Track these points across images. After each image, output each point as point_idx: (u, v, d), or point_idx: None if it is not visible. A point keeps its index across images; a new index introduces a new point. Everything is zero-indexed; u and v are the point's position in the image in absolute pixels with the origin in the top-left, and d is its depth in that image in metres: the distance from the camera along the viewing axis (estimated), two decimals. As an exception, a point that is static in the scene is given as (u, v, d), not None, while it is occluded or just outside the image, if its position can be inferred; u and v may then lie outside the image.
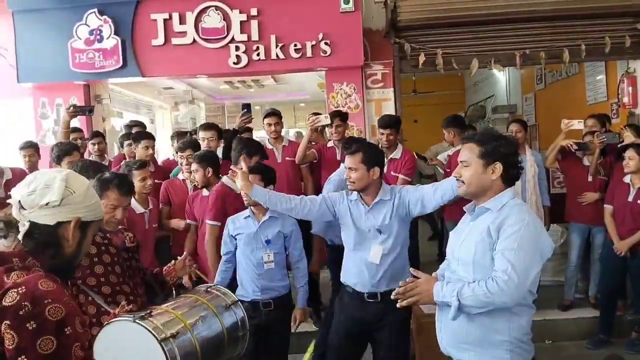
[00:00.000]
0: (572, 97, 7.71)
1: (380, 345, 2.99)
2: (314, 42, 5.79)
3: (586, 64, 6.95)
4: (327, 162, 4.74)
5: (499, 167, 2.17)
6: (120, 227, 2.78)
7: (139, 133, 4.97)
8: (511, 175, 2.21)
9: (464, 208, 2.38)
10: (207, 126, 4.78)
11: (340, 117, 4.83)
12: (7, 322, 1.26)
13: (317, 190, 4.46)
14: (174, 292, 2.92)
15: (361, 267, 2.96)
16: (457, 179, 2.26)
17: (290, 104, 11.92)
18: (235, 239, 3.40)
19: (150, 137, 4.78)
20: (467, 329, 2.19)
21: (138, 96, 8.60)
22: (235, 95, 10.35)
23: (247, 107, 4.94)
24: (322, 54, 5.81)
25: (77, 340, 1.31)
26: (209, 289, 2.56)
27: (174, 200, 4.32)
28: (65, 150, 3.97)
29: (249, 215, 3.40)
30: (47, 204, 1.44)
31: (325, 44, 5.79)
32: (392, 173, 4.56)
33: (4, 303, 1.28)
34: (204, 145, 4.55)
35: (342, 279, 3.11)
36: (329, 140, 5.06)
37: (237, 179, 3.12)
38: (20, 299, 1.27)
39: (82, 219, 1.49)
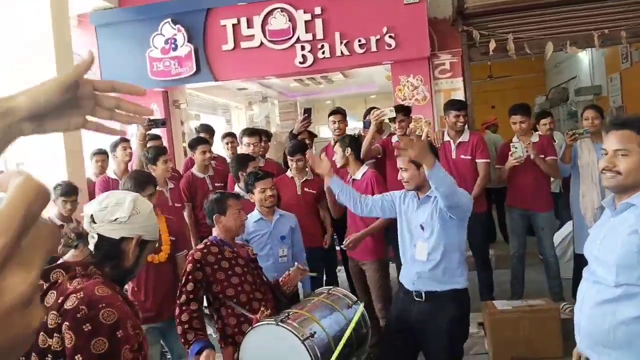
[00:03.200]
0: (662, 74, 7.15)
1: (426, 345, 2.98)
2: (378, 37, 5.77)
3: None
4: (392, 157, 4.73)
5: None
6: (242, 242, 3.10)
7: (192, 139, 5.21)
8: None
9: (602, 203, 2.22)
10: (251, 132, 5.02)
11: (403, 111, 4.81)
12: (67, 323, 1.41)
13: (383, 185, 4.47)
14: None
15: (407, 264, 3.00)
16: (607, 170, 2.03)
17: (361, 97, 11.89)
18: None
19: (205, 142, 4.99)
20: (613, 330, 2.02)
21: (214, 98, 8.95)
22: (307, 91, 10.49)
23: (307, 111, 5.06)
24: (386, 48, 5.78)
25: (127, 343, 1.44)
26: (330, 291, 2.91)
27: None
28: (158, 152, 4.30)
29: (260, 218, 3.63)
30: (115, 220, 1.60)
31: (390, 37, 5.75)
32: (461, 157, 4.59)
33: (65, 306, 1.43)
34: (249, 150, 4.78)
35: (399, 277, 3.16)
36: (394, 134, 5.05)
37: (321, 163, 3.32)
38: (79, 303, 1.42)
39: (142, 237, 1.65)
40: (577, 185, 4.48)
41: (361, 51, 5.84)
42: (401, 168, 2.95)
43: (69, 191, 4.26)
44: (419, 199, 2.98)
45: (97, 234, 1.59)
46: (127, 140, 5.12)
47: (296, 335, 2.39)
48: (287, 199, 4.35)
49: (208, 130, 5.77)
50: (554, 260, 4.56)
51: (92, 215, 1.60)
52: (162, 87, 6.51)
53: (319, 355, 2.39)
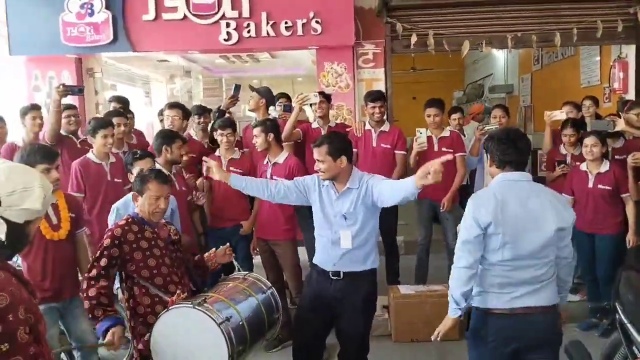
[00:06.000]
0: (567, 79, 7.69)
1: (341, 320, 3.10)
2: (305, 20, 5.78)
3: (582, 46, 6.91)
4: (312, 142, 4.80)
5: None
6: (165, 221, 2.98)
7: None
8: None
9: None
10: (172, 105, 4.86)
11: (323, 95, 4.93)
12: None
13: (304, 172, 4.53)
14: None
15: (327, 248, 3.08)
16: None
17: (289, 79, 11.86)
18: None
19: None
20: None
21: (132, 69, 8.60)
22: (233, 69, 10.30)
23: (237, 88, 4.97)
24: (312, 32, 5.80)
25: (21, 325, 1.40)
26: (245, 277, 2.95)
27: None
28: (100, 124, 4.05)
29: None
30: (25, 208, 1.56)
31: (317, 22, 5.77)
32: (382, 145, 4.79)
33: None
34: (167, 123, 4.63)
35: (313, 259, 3.23)
36: (314, 121, 5.11)
37: (214, 171, 3.27)
38: None
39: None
40: (482, 178, 4.76)
41: (287, 34, 5.82)
42: (318, 159, 2.99)
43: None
44: (337, 190, 3.04)
45: (2, 217, 1.52)
46: (37, 108, 4.76)
47: (212, 319, 2.42)
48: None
49: (121, 101, 5.52)
50: None
51: None
52: (75, 54, 6.16)
53: (233, 338, 2.45)
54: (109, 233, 2.72)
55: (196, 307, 2.46)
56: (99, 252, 2.67)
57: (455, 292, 2.49)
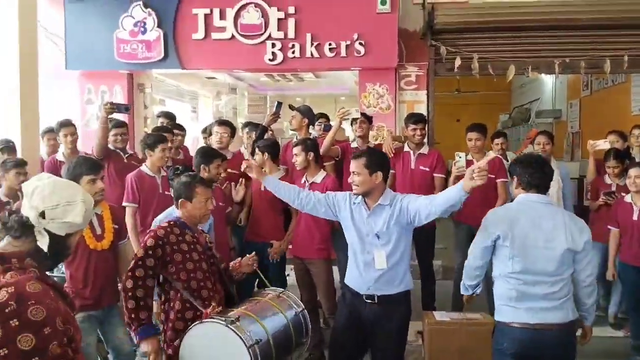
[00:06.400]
0: (618, 106, 7.46)
1: (375, 343, 3.07)
2: (348, 42, 5.85)
3: (634, 73, 6.72)
4: (349, 161, 4.83)
5: None
6: (200, 228, 3.07)
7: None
8: None
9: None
10: (221, 122, 4.95)
11: (364, 116, 4.99)
12: None
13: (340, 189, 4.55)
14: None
15: (360, 270, 3.04)
16: None
17: (332, 97, 11.96)
18: None
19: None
20: None
21: (181, 85, 8.86)
22: (277, 87, 10.48)
23: (279, 105, 5.06)
24: (355, 54, 5.87)
25: (55, 339, 1.45)
26: (280, 295, 2.97)
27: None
28: (160, 139, 4.23)
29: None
30: (67, 222, 1.63)
31: (360, 44, 5.84)
32: (420, 167, 4.76)
33: None
34: (216, 140, 4.72)
35: (345, 280, 3.21)
36: (353, 140, 5.14)
37: (252, 170, 3.39)
38: (8, 299, 1.43)
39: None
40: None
41: (331, 55, 5.90)
42: (354, 172, 2.99)
43: (21, 162, 4.20)
44: (368, 208, 3.03)
45: (45, 229, 1.60)
46: (66, 125, 4.89)
47: (243, 341, 2.48)
48: (252, 194, 4.42)
49: (169, 117, 5.69)
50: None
51: (43, 212, 1.60)
52: (127, 70, 6.42)
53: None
54: (152, 234, 2.77)
55: (229, 325, 2.51)
56: (143, 253, 2.71)
57: (465, 281, 2.95)
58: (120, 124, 4.90)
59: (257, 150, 4.35)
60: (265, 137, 4.81)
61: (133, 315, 2.64)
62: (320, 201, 3.17)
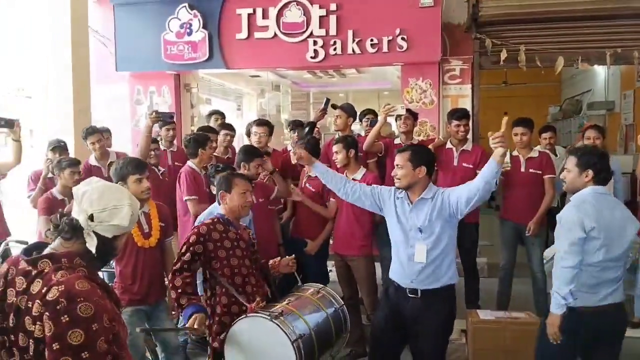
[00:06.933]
0: (676, 96, 7.11)
1: (417, 339, 3.05)
2: (390, 37, 5.81)
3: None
4: (392, 158, 4.81)
5: None
6: (243, 224, 3.16)
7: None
8: None
9: None
10: (260, 122, 5.00)
11: (410, 112, 4.93)
12: (47, 313, 1.51)
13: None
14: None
15: (403, 264, 3.05)
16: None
17: (375, 93, 11.90)
18: None
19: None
20: None
21: (226, 84, 9.02)
22: (320, 83, 10.51)
23: (327, 102, 5.09)
24: (398, 49, 5.82)
25: (103, 335, 1.53)
26: (319, 290, 3.03)
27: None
28: (202, 142, 4.36)
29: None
30: (114, 224, 1.71)
31: (402, 39, 5.78)
32: (463, 164, 4.67)
33: (47, 297, 1.53)
34: (255, 139, 4.80)
35: (389, 274, 3.22)
36: (397, 137, 5.11)
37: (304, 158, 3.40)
38: (59, 296, 1.52)
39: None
40: (572, 201, 4.53)
41: (373, 50, 5.88)
42: (397, 165, 3.00)
43: (76, 161, 4.36)
44: (410, 202, 3.03)
45: (94, 232, 1.68)
46: (94, 133, 4.89)
47: (287, 336, 2.54)
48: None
49: (221, 114, 5.80)
50: (541, 275, 4.60)
51: (92, 215, 1.68)
52: (174, 71, 6.59)
53: (303, 354, 2.55)
54: (195, 230, 2.88)
55: (273, 320, 2.57)
56: (184, 247, 2.83)
57: (561, 290, 2.74)
58: (153, 140, 4.86)
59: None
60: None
61: (176, 304, 2.76)
62: (365, 193, 3.19)
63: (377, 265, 4.58)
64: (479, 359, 4.15)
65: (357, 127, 5.34)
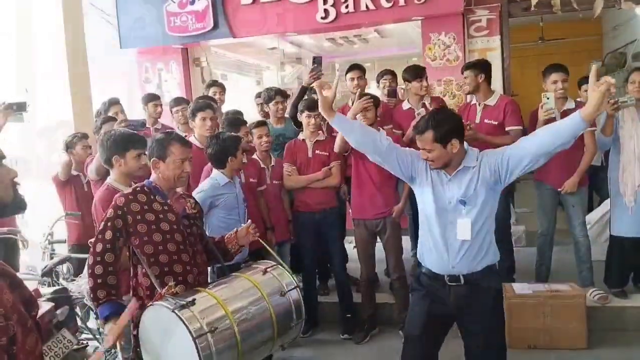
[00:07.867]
0: None
1: (469, 335, 2.61)
2: (407, -11, 5.29)
3: None
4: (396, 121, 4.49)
5: None
6: (182, 192, 2.71)
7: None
8: None
9: None
10: (278, 91, 4.72)
11: (417, 72, 4.43)
12: None
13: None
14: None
15: (439, 246, 2.57)
16: None
17: (403, 59, 11.29)
18: None
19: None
20: None
21: (242, 58, 8.65)
22: (343, 52, 10.02)
23: (317, 61, 4.59)
24: (416, 1, 5.31)
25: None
26: (267, 270, 2.46)
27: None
28: (199, 107, 4.06)
29: (227, 182, 3.54)
30: None
31: (420, -11, 5.26)
32: (485, 121, 4.16)
33: None
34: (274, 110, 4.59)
35: (418, 258, 2.75)
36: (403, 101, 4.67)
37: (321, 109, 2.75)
38: None
39: None
40: (617, 158, 3.96)
41: (388, 5, 5.38)
42: (424, 149, 2.52)
43: (84, 135, 4.41)
44: (448, 173, 2.55)
45: None
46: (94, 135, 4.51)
47: (188, 330, 2.04)
48: (299, 163, 4.13)
49: (218, 85, 5.34)
50: (585, 241, 4.09)
51: None
52: (179, 44, 6.26)
53: (213, 353, 2.05)
54: (112, 203, 2.44)
55: (175, 310, 2.07)
56: (102, 224, 2.40)
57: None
58: (115, 101, 4.75)
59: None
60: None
61: (92, 295, 2.35)
62: (391, 151, 2.63)
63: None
64: (517, 338, 3.68)
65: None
